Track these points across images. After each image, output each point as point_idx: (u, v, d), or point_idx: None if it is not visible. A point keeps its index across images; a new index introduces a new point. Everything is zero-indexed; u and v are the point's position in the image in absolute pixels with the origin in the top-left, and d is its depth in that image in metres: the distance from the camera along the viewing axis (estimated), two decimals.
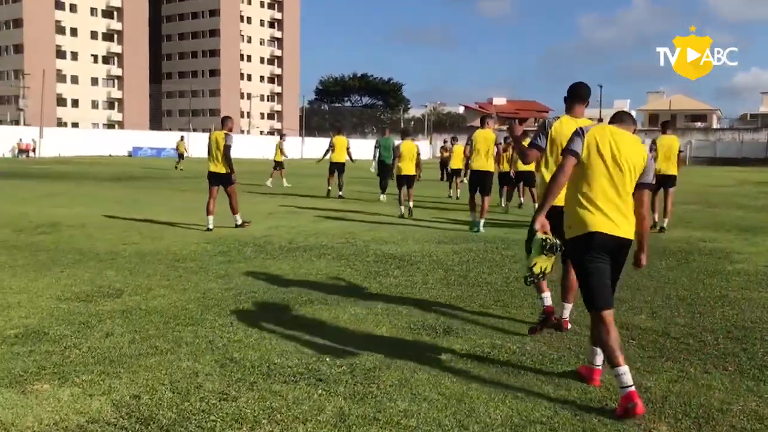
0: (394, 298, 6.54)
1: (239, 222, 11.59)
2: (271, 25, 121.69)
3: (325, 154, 20.15)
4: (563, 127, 5.15)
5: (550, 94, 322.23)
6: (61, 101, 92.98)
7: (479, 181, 11.69)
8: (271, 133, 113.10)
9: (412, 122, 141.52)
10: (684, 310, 6.35)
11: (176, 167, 37.56)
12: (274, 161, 25.30)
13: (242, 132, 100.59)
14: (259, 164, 41.23)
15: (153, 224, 11.93)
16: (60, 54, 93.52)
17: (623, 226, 4.08)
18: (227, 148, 11.20)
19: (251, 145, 77.34)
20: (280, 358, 4.65)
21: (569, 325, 5.55)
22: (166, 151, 65.11)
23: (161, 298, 6.40)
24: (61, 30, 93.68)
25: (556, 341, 5.25)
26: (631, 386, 3.82)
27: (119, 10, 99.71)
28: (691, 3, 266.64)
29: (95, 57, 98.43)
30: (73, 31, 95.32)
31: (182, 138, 44.82)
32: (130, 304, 6.15)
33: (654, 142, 12.31)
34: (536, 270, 4.39)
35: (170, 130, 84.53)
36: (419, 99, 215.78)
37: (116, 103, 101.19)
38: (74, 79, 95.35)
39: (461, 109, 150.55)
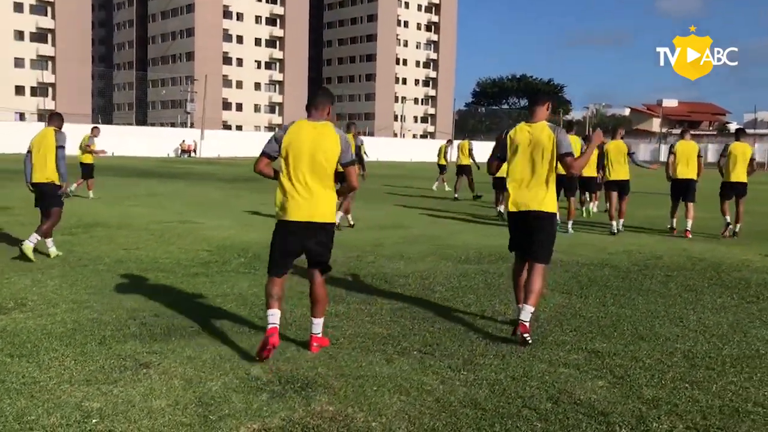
0: None
1: (340, 222, 11.65)
2: (428, 28, 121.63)
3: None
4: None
5: (728, 97, 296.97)
6: (226, 105, 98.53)
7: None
8: (424, 136, 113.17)
9: (576, 125, 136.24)
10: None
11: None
12: (438, 165, 24.96)
13: (395, 135, 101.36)
14: (407, 167, 40.75)
15: (195, 228, 11.48)
16: (226, 60, 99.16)
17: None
18: (357, 149, 11.86)
19: (403, 149, 77.96)
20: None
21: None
22: None
23: (50, 317, 5.64)
24: (228, 38, 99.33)
25: None
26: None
27: (281, 17, 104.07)
28: None
29: (258, 63, 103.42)
30: (239, 39, 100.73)
31: (362, 142, 40.80)
32: (4, 321, 5.45)
33: (726, 148, 12.27)
34: None
35: None
36: (583, 101, 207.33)
37: (277, 107, 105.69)
38: (239, 84, 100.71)
39: (627, 111, 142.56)
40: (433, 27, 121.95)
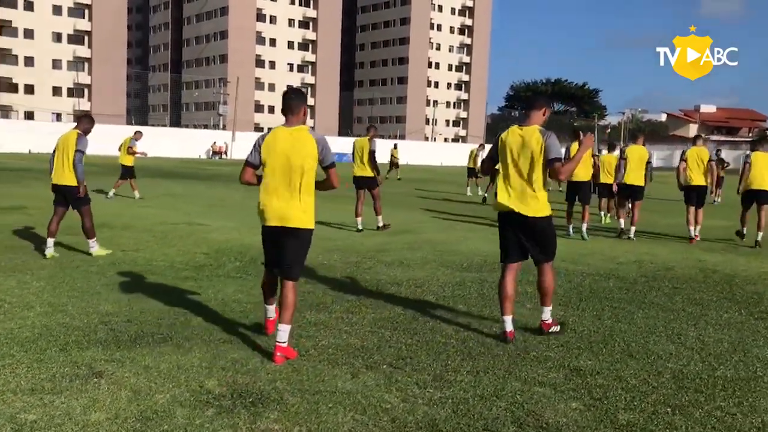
0: None
1: (380, 224, 12.24)
2: (461, 31, 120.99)
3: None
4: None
5: None
6: (258, 108, 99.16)
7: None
8: (455, 140, 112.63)
9: (608, 130, 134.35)
10: None
11: (387, 177, 32.73)
12: (468, 169, 25.20)
13: (426, 139, 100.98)
14: (437, 171, 40.46)
15: (199, 230, 11.37)
16: (259, 63, 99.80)
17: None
18: (372, 153, 11.91)
19: (434, 152, 77.65)
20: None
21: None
22: (347, 157, 66.71)
23: (22, 320, 5.51)
24: (261, 41, 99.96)
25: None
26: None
27: (314, 20, 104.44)
28: None
29: (291, 66, 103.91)
30: (272, 42, 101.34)
31: (395, 146, 37.30)
32: None
33: (748, 156, 12.13)
34: None
35: (359, 136, 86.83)
36: (620, 106, 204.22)
37: (309, 110, 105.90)
38: (271, 87, 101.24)
39: (663, 117, 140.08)
40: (466, 30, 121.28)
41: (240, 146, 65.25)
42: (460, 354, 5.05)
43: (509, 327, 5.41)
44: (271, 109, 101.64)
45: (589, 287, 7.67)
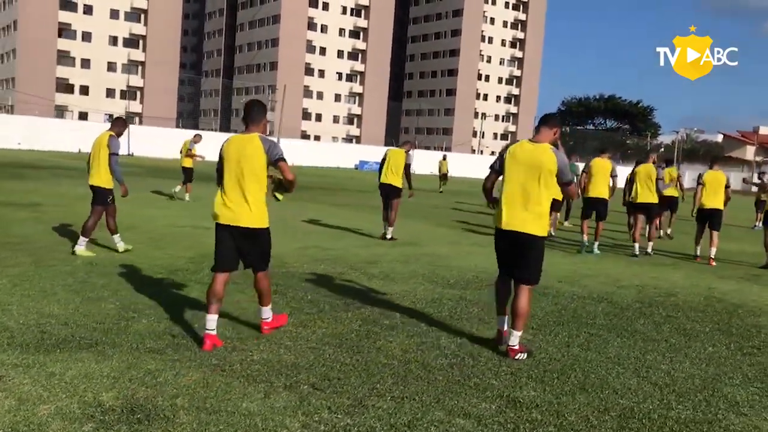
0: None
1: (389, 236, 12.19)
2: (513, 44, 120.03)
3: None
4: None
5: None
6: (306, 115, 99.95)
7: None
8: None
9: (662, 149, 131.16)
10: None
11: (441, 191, 32.45)
12: None
13: (473, 152, 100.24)
14: (476, 185, 39.86)
15: (198, 234, 11.27)
16: (308, 71, 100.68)
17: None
18: (408, 166, 12.32)
19: (480, 165, 76.86)
20: None
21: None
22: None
23: None
24: (311, 49, 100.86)
25: None
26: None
27: (365, 30, 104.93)
28: None
29: (339, 75, 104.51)
30: (322, 50, 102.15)
31: (444, 157, 36.52)
32: None
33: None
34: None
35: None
36: (676, 125, 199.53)
37: (355, 119, 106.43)
38: (319, 95, 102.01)
39: (719, 138, 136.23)
40: (518, 44, 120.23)
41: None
42: (395, 377, 4.70)
43: (502, 326, 5.58)
44: (318, 117, 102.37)
45: (573, 311, 7.21)
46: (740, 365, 5.61)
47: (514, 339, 5.32)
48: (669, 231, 16.40)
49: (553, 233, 13.84)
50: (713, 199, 12.03)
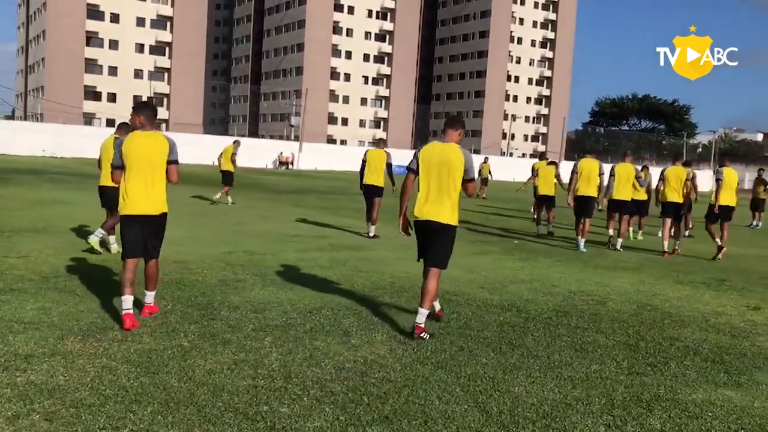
0: None
1: (372, 233, 12.50)
2: (543, 45, 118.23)
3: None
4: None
5: None
6: (332, 119, 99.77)
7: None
8: (534, 155, 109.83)
9: (699, 149, 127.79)
10: None
11: (484, 197, 30.37)
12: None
13: (502, 154, 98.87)
14: (510, 187, 38.92)
15: (169, 242, 10.74)
16: (334, 75, 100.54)
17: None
18: (389, 165, 12.72)
19: (510, 167, 75.63)
20: None
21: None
22: (401, 169, 65.66)
23: None
24: (336, 53, 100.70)
25: None
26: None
27: (391, 33, 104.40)
28: None
29: (365, 78, 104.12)
30: (348, 54, 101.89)
31: (486, 159, 34.44)
32: None
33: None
34: None
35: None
36: (714, 124, 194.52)
37: (382, 123, 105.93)
38: (345, 99, 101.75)
39: (759, 137, 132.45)
40: (548, 44, 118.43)
41: (307, 157, 65.49)
42: (167, 406, 4.02)
43: (419, 320, 5.73)
44: (345, 121, 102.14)
45: (466, 321, 6.43)
46: (616, 388, 4.80)
47: (421, 317, 5.70)
48: (687, 233, 15.85)
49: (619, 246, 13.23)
50: (676, 195, 12.78)
